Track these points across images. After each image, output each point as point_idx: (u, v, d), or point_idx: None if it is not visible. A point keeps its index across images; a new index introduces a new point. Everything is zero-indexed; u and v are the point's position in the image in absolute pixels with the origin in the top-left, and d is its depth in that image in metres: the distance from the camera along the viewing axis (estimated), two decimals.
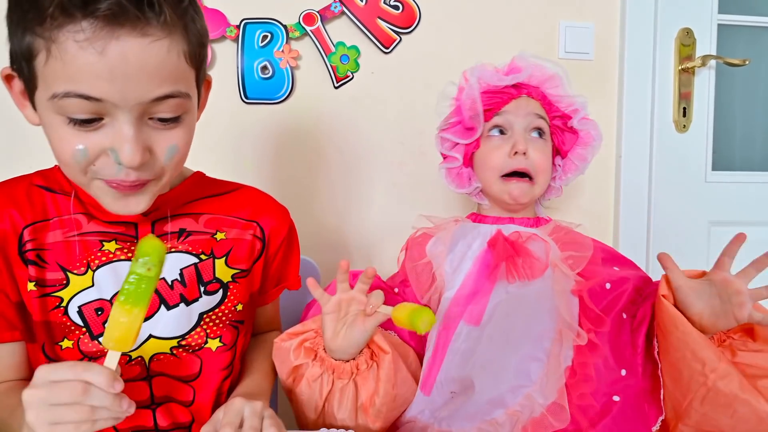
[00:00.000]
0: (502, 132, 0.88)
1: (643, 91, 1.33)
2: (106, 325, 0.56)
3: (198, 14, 0.62)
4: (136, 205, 0.64)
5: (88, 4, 0.52)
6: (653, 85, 1.33)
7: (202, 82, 0.67)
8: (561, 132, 0.90)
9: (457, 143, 0.90)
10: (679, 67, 1.33)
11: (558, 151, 0.91)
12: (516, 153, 0.85)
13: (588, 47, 1.31)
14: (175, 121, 0.61)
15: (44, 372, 0.52)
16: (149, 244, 0.55)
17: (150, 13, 0.54)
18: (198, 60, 0.62)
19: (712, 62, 1.34)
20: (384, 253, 1.27)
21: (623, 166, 1.33)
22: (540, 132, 0.87)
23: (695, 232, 1.37)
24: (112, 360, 0.55)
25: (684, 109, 1.34)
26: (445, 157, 0.93)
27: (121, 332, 0.55)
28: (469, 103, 0.87)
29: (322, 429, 0.70)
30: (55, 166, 0.70)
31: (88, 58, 0.53)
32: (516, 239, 0.84)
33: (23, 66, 0.57)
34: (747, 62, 1.32)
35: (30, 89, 0.58)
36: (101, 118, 0.56)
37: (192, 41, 0.60)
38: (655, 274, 0.81)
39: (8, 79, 0.61)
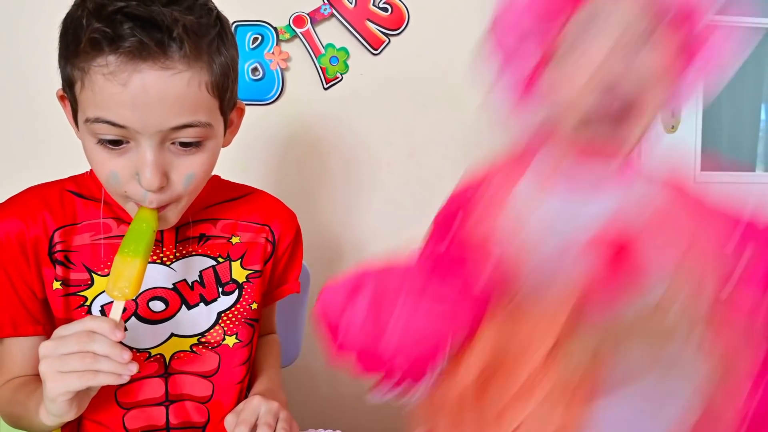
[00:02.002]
0: None
1: None
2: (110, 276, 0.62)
3: (226, 44, 0.65)
4: (164, 223, 0.68)
5: (114, 41, 0.56)
6: None
7: (229, 110, 0.70)
8: None
9: None
10: None
11: None
12: None
13: None
14: (196, 146, 0.64)
15: (59, 328, 0.59)
16: (146, 211, 0.64)
17: (171, 48, 0.57)
18: (222, 90, 0.64)
19: None
20: (373, 251, 1.29)
21: None
22: None
23: None
24: (115, 311, 0.60)
25: (672, 109, 1.35)
26: None
27: (123, 281, 0.61)
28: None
29: (319, 430, 0.71)
30: (86, 172, 0.75)
31: (113, 89, 0.57)
32: None
33: (68, 91, 0.63)
34: None
35: (74, 111, 0.64)
36: (128, 141, 0.61)
37: (215, 72, 0.62)
38: None
39: (62, 99, 0.67)
